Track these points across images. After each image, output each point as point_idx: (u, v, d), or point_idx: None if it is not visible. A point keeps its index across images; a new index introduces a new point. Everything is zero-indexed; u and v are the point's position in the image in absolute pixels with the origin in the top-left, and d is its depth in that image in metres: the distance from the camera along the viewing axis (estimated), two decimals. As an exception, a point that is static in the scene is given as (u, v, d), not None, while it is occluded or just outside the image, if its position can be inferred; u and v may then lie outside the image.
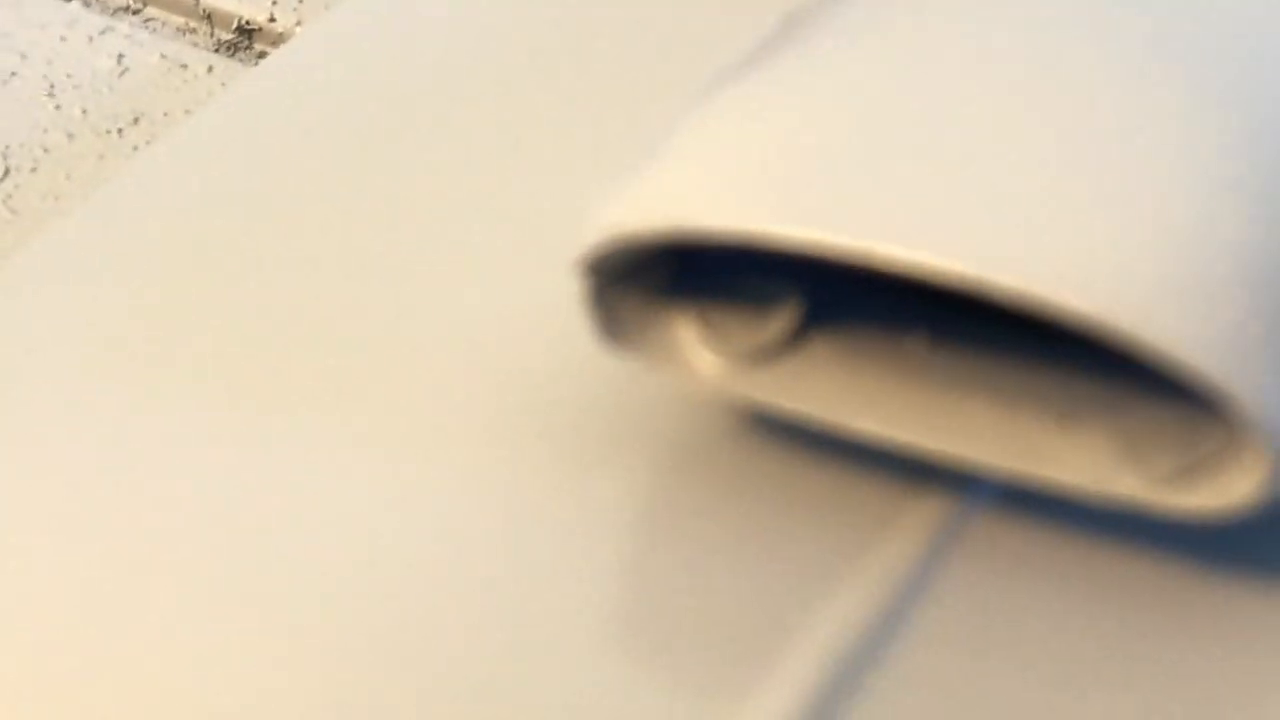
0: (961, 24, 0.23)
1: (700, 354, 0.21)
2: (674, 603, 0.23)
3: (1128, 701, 0.22)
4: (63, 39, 0.27)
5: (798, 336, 0.22)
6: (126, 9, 0.28)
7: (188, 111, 0.26)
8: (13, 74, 0.26)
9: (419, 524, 0.23)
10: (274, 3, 0.28)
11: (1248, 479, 0.21)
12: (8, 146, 0.26)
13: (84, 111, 0.26)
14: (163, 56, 0.26)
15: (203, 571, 0.22)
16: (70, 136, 0.25)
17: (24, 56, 0.27)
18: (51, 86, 0.26)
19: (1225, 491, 0.21)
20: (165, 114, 0.26)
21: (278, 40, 0.28)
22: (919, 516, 0.23)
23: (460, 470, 0.24)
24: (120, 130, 0.25)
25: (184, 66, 0.26)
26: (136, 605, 0.22)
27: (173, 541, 0.22)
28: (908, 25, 0.23)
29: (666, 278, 0.22)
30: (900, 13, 0.23)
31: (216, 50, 0.27)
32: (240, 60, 0.27)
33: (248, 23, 0.27)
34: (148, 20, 0.27)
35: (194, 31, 0.27)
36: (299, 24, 0.27)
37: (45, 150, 0.25)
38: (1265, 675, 0.22)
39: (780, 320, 0.22)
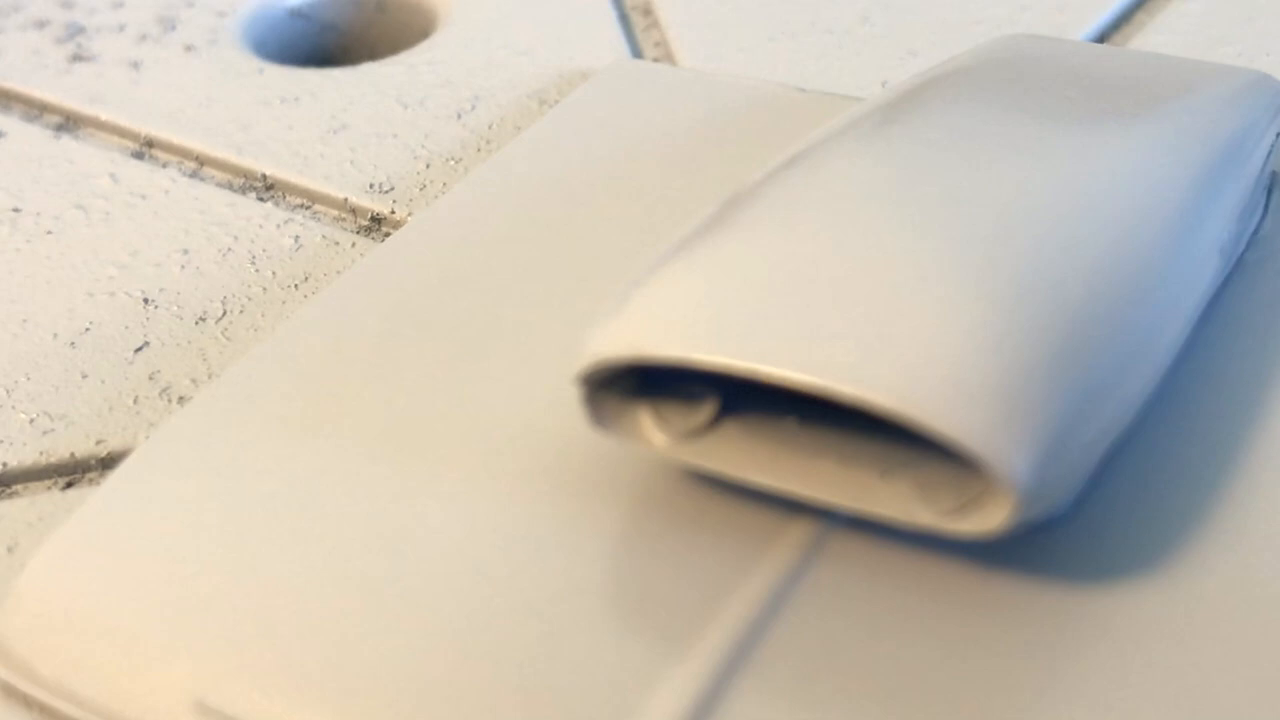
0: (825, 223, 0.25)
1: (653, 433, 0.24)
2: (625, 590, 0.25)
3: (941, 666, 0.23)
4: (260, 226, 0.31)
5: (715, 421, 0.24)
6: (301, 206, 0.32)
7: (338, 272, 0.29)
8: (229, 249, 0.30)
9: (481, 537, 0.25)
10: (394, 200, 0.31)
11: (1001, 513, 0.22)
12: (225, 297, 0.29)
13: (274, 273, 0.29)
14: (323, 237, 0.30)
15: (354, 568, 0.24)
16: (264, 290, 0.29)
17: (236, 238, 0.30)
18: (254, 258, 0.29)
19: (987, 521, 0.22)
20: (324, 274, 0.30)
21: (397, 225, 0.31)
22: (794, 536, 0.24)
23: (511, 502, 0.25)
24: (296, 285, 0.29)
25: (336, 243, 0.30)
26: (317, 590, 0.24)
27: (340, 550, 0.25)
28: (789, 217, 0.25)
29: (632, 384, 0.24)
30: (789, 209, 0.26)
31: (357, 232, 0.30)
32: (373, 238, 0.30)
33: (377, 214, 0.31)
34: (315, 213, 0.31)
35: (343, 220, 0.31)
36: (409, 215, 0.31)
37: (249, 299, 0.29)
38: (1038, 643, 0.23)
39: (704, 411, 0.24)
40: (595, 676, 0.23)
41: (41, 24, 0.38)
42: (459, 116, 0.34)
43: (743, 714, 0.22)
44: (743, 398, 0.24)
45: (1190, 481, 0.25)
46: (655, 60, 0.36)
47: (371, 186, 0.32)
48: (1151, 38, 0.35)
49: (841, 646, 0.23)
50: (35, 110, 0.36)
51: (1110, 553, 0.24)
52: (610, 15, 0.37)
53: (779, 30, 0.36)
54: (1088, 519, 0.24)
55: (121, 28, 0.38)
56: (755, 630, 0.23)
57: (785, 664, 0.23)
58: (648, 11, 0.37)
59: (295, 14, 0.38)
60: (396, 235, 0.30)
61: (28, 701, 0.24)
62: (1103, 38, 0.35)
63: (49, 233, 0.32)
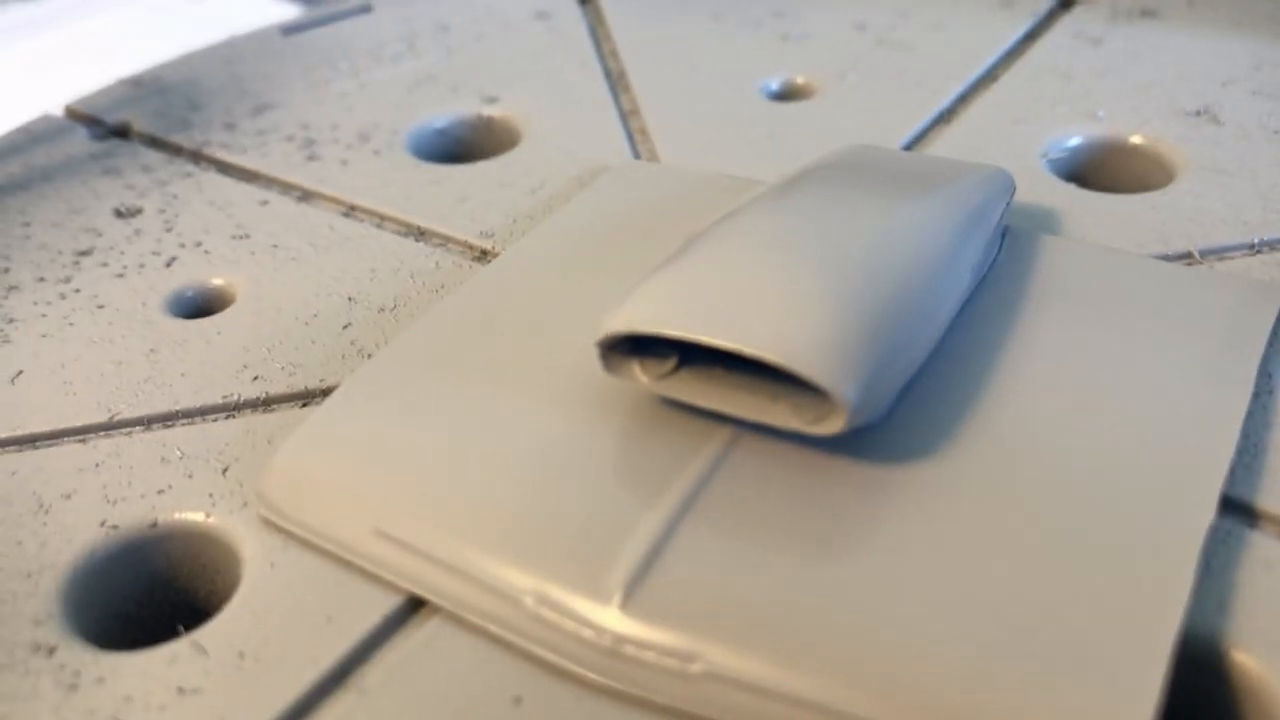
0: (741, 251, 0.24)
1: (640, 376, 0.23)
2: (620, 463, 0.23)
3: (808, 510, 0.22)
4: (415, 256, 0.28)
5: (676, 369, 0.23)
6: (440, 244, 0.29)
7: (460, 282, 0.27)
8: (398, 270, 0.28)
9: (543, 433, 0.24)
10: (494, 241, 0.29)
11: (839, 421, 0.21)
12: (395, 297, 0.27)
13: (423, 284, 0.27)
14: (453, 263, 0.28)
15: (469, 450, 0.23)
16: (418, 293, 0.27)
17: (402, 263, 0.28)
18: (412, 274, 0.28)
19: (831, 426, 0.21)
20: (453, 283, 0.27)
21: (495, 255, 0.30)
22: (721, 435, 0.23)
23: (561, 415, 0.24)
24: (435, 290, 0.27)
25: (460, 266, 0.28)
26: (447, 462, 0.23)
27: (462, 438, 0.24)
28: (721, 248, 0.24)
29: (628, 346, 0.23)
30: (720, 243, 0.24)
31: (473, 260, 0.29)
32: (482, 263, 0.28)
33: (484, 249, 0.29)
34: (449, 249, 0.29)
35: (464, 253, 0.29)
36: (502, 249, 0.29)
37: (409, 298, 0.26)
38: (865, 498, 0.22)
39: (670, 363, 0.23)
40: (600, 512, 0.22)
41: (290, 138, 0.37)
42: (533, 192, 0.33)
43: (688, 542, 0.21)
44: (692, 354, 0.23)
45: (957, 402, 0.24)
46: (647, 159, 0.34)
47: (481, 233, 0.31)
48: (936, 148, 0.34)
49: (749, 500, 0.22)
50: (287, 188, 0.35)
51: (907, 443, 0.23)
52: (621, 132, 0.36)
53: (719, 143, 0.34)
54: (893, 423, 0.24)
55: (336, 140, 0.37)
56: (697, 490, 0.22)
57: (715, 511, 0.22)
58: (643, 131, 0.36)
59: (438, 132, 0.37)
60: (495, 261, 0.29)
61: (279, 530, 0.24)
62: (909, 147, 0.34)
63: (293, 259, 0.31)
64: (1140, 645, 0.19)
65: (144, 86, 0.40)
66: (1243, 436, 0.23)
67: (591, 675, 0.20)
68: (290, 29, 0.42)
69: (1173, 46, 0.37)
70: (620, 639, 0.20)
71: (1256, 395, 0.24)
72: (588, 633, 0.20)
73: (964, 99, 0.36)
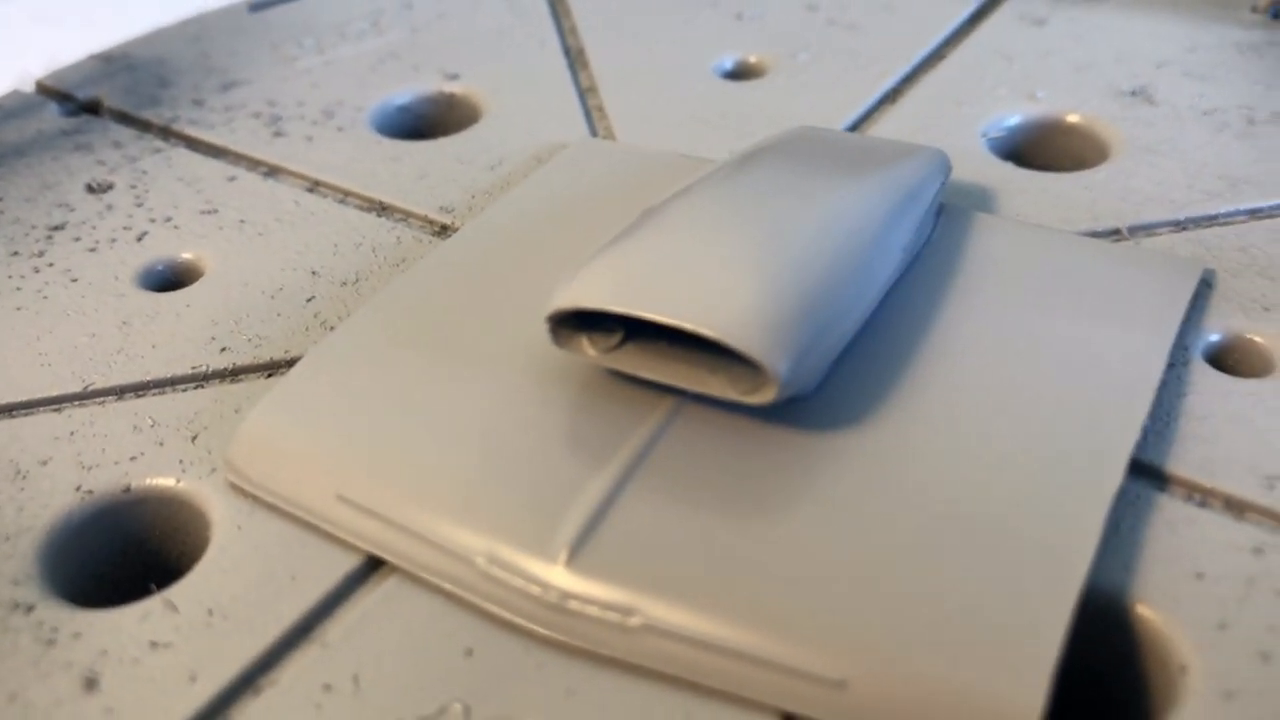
0: (685, 229, 0.25)
1: (588, 349, 0.24)
2: (570, 431, 0.24)
3: (744, 472, 0.23)
4: (377, 231, 0.29)
5: (621, 343, 0.24)
6: (401, 219, 0.29)
7: (421, 257, 0.28)
8: (359, 244, 0.28)
9: (496, 402, 0.24)
10: (454, 216, 0.30)
11: (771, 393, 0.22)
12: (357, 271, 0.27)
13: (385, 258, 0.28)
14: (414, 237, 0.29)
15: (424, 419, 0.24)
16: (379, 267, 0.27)
17: (364, 237, 0.28)
18: (374, 249, 0.28)
19: (764, 397, 0.22)
20: (413, 257, 0.28)
21: (454, 230, 0.30)
22: (664, 404, 0.24)
23: (513, 385, 0.24)
24: (396, 264, 0.27)
25: (420, 240, 0.29)
26: (404, 430, 0.24)
27: (418, 407, 0.24)
28: (666, 226, 0.25)
29: (576, 322, 0.24)
30: (665, 222, 0.25)
31: (433, 235, 0.29)
32: (441, 237, 0.29)
33: (444, 224, 0.29)
34: (410, 224, 0.29)
35: (425, 227, 0.29)
36: (462, 224, 0.30)
37: (370, 272, 0.27)
38: (795, 460, 0.23)
39: (616, 337, 0.24)
40: (548, 477, 0.23)
41: (257, 114, 0.37)
42: (492, 168, 0.34)
43: (631, 504, 0.22)
44: (637, 329, 0.24)
45: (887, 373, 0.25)
46: (604, 137, 0.35)
47: (441, 208, 0.32)
48: (882, 126, 0.34)
49: (690, 465, 0.23)
50: (254, 164, 0.35)
51: (839, 413, 0.24)
52: (579, 109, 0.36)
53: (674, 122, 0.35)
54: (826, 394, 0.24)
55: (302, 117, 0.37)
56: (640, 456, 0.23)
57: (657, 476, 0.23)
58: (600, 108, 0.36)
59: (401, 109, 0.38)
60: (453, 237, 0.30)
61: (245, 494, 0.24)
62: (856, 125, 0.34)
63: (260, 234, 0.32)
64: (1045, 600, 0.20)
65: (114, 62, 0.41)
66: (1156, 404, 0.25)
67: (538, 629, 0.21)
68: (257, 6, 0.42)
69: (1112, 28, 0.38)
70: (565, 595, 0.21)
71: (1171, 365, 0.26)
72: (535, 589, 0.21)
73: (910, 79, 0.37)
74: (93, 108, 0.39)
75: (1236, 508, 0.23)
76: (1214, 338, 0.27)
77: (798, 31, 0.39)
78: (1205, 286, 0.28)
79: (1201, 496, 0.23)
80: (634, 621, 0.21)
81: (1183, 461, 0.24)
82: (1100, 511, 0.22)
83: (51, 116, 0.38)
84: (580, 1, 0.42)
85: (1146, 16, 0.39)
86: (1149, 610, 0.21)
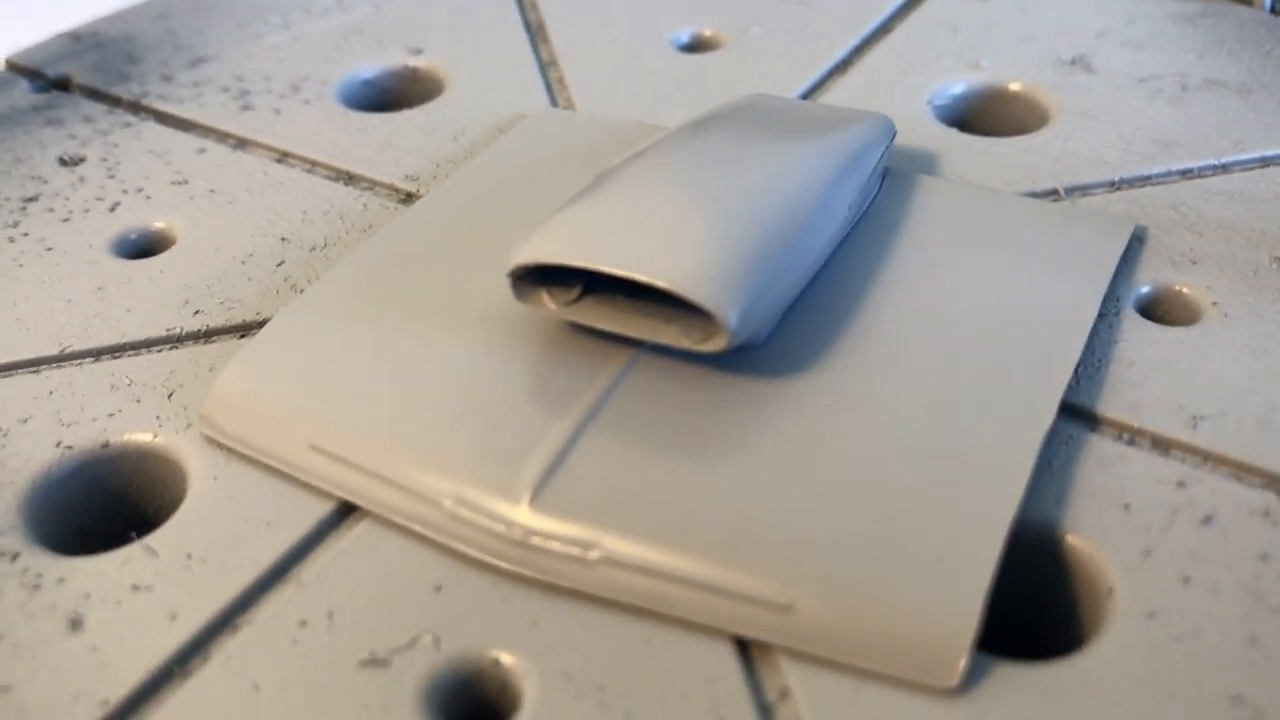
0: (639, 188, 0.26)
1: (548, 303, 0.25)
2: (532, 381, 0.25)
3: (697, 417, 0.24)
4: (344, 199, 0.29)
5: (580, 296, 0.25)
6: (367, 188, 0.30)
7: (386, 223, 0.28)
8: (327, 211, 0.29)
9: (461, 354, 0.25)
10: (418, 184, 0.31)
11: (721, 341, 0.23)
12: (325, 237, 0.27)
13: (351, 224, 0.28)
14: (380, 205, 0.29)
15: (394, 370, 0.25)
16: (346, 233, 0.28)
17: (331, 205, 0.29)
18: (340, 216, 0.29)
19: (715, 345, 0.23)
20: (379, 223, 0.28)
21: (418, 197, 0.31)
22: (623, 354, 0.25)
23: (477, 337, 0.26)
24: (363, 230, 0.28)
25: (385, 208, 0.29)
26: (373, 381, 0.25)
27: (386, 359, 0.25)
28: (621, 185, 0.26)
29: (536, 276, 0.25)
30: (621, 182, 0.26)
31: (398, 202, 0.30)
32: (405, 204, 0.30)
33: (409, 192, 0.30)
34: (375, 192, 0.30)
35: (390, 195, 0.30)
36: (425, 192, 0.31)
37: (338, 238, 0.27)
38: (746, 407, 0.24)
39: (575, 291, 0.25)
40: (513, 424, 0.24)
41: (225, 89, 0.38)
42: (455, 139, 0.35)
43: (590, 447, 0.23)
44: (595, 283, 0.25)
45: (833, 324, 0.26)
46: (564, 108, 0.36)
47: (406, 177, 0.33)
48: (832, 96, 0.35)
49: (646, 411, 0.24)
50: (223, 137, 0.36)
51: (787, 361, 0.25)
52: (539, 82, 0.37)
53: (632, 93, 0.36)
54: (775, 344, 0.26)
55: (269, 91, 0.38)
56: (599, 403, 0.24)
57: (615, 421, 0.24)
58: (561, 80, 0.37)
59: (365, 82, 0.39)
60: (418, 203, 0.31)
61: (221, 447, 0.25)
62: (807, 95, 0.35)
63: (230, 203, 0.33)
64: (979, 530, 0.22)
65: (82, 40, 0.41)
66: (1089, 351, 0.26)
67: (504, 564, 0.22)
68: (223, -16, 0.43)
69: (1055, 1, 0.40)
70: (529, 532, 0.22)
71: (1103, 315, 0.27)
72: (500, 528, 0.22)
73: (859, 50, 0.38)
74: (63, 84, 0.39)
75: (1163, 445, 0.24)
76: (1144, 289, 0.28)
77: (751, 5, 0.40)
78: (1137, 242, 0.29)
79: (1130, 435, 0.25)
80: (593, 555, 0.22)
81: (1112, 403, 0.25)
82: (1032, 449, 0.23)
83: (23, 93, 0.39)
84: None
85: None
86: (1078, 539, 0.23)
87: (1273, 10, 0.37)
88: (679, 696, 0.20)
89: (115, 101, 0.38)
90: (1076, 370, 0.25)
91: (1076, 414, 0.25)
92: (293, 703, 0.21)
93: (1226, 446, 0.24)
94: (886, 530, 0.22)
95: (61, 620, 0.22)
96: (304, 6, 0.42)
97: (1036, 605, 0.23)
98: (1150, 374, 0.26)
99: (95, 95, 0.39)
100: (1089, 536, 0.23)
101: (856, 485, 0.22)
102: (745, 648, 0.21)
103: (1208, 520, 0.23)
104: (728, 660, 0.21)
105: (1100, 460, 0.24)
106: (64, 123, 0.37)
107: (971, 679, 0.20)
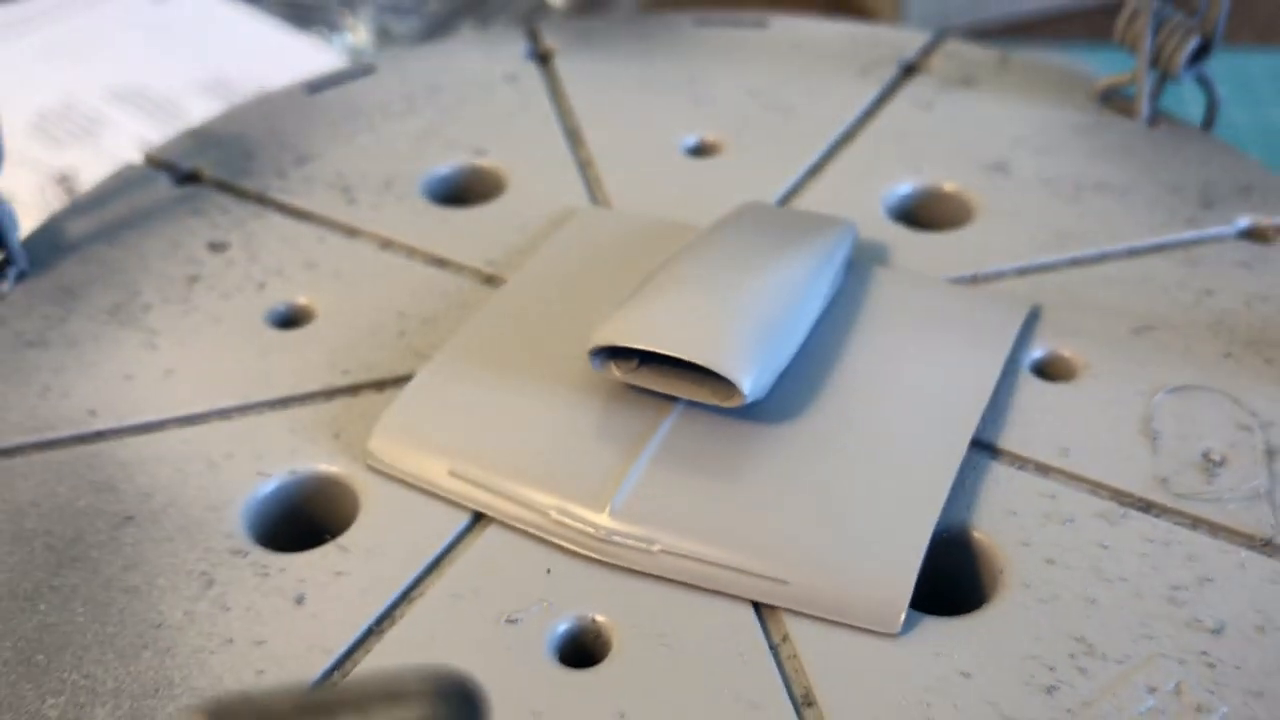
0: (681, 281, 0.32)
1: (615, 371, 0.31)
2: (605, 427, 0.31)
3: (723, 451, 0.30)
4: (444, 280, 0.32)
5: (638, 366, 0.31)
6: (455, 272, 0.33)
7: (480, 301, 0.32)
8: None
9: (556, 406, 0.32)
10: (497, 269, 0.35)
11: (739, 399, 0.30)
12: (438, 309, 0.31)
13: (450, 302, 0.31)
14: (470, 286, 0.33)
15: (507, 418, 0.32)
16: (452, 309, 0.32)
17: (435, 284, 0.35)
18: (444, 294, 0.31)
19: (735, 401, 0.30)
20: (475, 302, 0.32)
21: (500, 281, 0.36)
22: (670, 408, 0.31)
23: (567, 396, 0.32)
24: (460, 307, 0.31)
25: (476, 287, 0.32)
26: (494, 426, 0.31)
27: (500, 411, 0.32)
28: (668, 280, 0.32)
29: (607, 351, 0.31)
30: (667, 277, 0.32)
31: (482, 284, 0.34)
32: (491, 286, 0.33)
33: (491, 275, 0.34)
34: (465, 275, 0.34)
35: (476, 277, 0.34)
36: (505, 276, 0.35)
37: (446, 311, 0.31)
38: (761, 446, 0.30)
39: (634, 361, 0.31)
40: (595, 457, 0.30)
41: (331, 185, 0.44)
42: (520, 229, 0.41)
43: (650, 475, 0.30)
44: (649, 357, 0.31)
45: (811, 384, 0.32)
46: (603, 204, 0.42)
47: (486, 262, 0.40)
48: (809, 194, 0.42)
49: (687, 448, 0.30)
50: (335, 226, 0.42)
51: (780, 411, 0.31)
52: (580, 178, 0.43)
53: (654, 190, 0.42)
54: (772, 399, 0.31)
55: (367, 186, 0.44)
56: (653, 442, 0.30)
57: (668, 456, 0.30)
58: (597, 179, 0.43)
59: (442, 180, 0.45)
60: (503, 286, 0.36)
61: (383, 474, 0.31)
62: (789, 195, 0.42)
63: (353, 284, 0.40)
64: (912, 528, 0.28)
65: (203, 138, 0.49)
66: (993, 401, 0.34)
67: (593, 555, 0.29)
68: (313, 88, 0.52)
69: (982, 111, 0.46)
70: (610, 532, 0.29)
71: (1005, 374, 0.35)
72: (590, 530, 0.29)
73: (830, 154, 0.45)
74: (194, 177, 0.47)
75: (1043, 470, 0.32)
76: (1037, 354, 0.35)
77: (742, 114, 0.47)
78: (1034, 317, 0.37)
79: (1020, 463, 0.32)
80: (655, 548, 0.28)
81: (1009, 439, 0.32)
82: (951, 471, 0.30)
83: (165, 186, 0.47)
84: (572, 85, 0.51)
85: (1010, 100, 0.47)
86: (981, 535, 0.30)
87: (1150, 123, 0.46)
88: (715, 640, 0.27)
89: (242, 194, 0.45)
90: (984, 415, 0.32)
91: (983, 447, 0.32)
92: (457, 650, 0.28)
93: (1085, 470, 0.31)
94: (848, 528, 0.28)
95: (290, 597, 0.32)
96: (382, 110, 0.50)
97: (954, 580, 0.29)
98: (1037, 418, 0.33)
99: (224, 188, 0.46)
100: (988, 533, 0.30)
101: (827, 498, 0.29)
102: (759, 608, 0.28)
103: (1068, 521, 0.30)
104: (747, 616, 0.28)
105: (997, 480, 0.31)
106: (206, 212, 0.45)
107: (908, 626, 0.27)
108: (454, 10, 0.82)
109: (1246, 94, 0.65)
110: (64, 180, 0.59)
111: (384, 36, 0.69)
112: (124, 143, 0.59)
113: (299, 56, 0.67)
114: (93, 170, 0.56)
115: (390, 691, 0.12)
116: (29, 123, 0.61)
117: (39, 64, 0.75)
